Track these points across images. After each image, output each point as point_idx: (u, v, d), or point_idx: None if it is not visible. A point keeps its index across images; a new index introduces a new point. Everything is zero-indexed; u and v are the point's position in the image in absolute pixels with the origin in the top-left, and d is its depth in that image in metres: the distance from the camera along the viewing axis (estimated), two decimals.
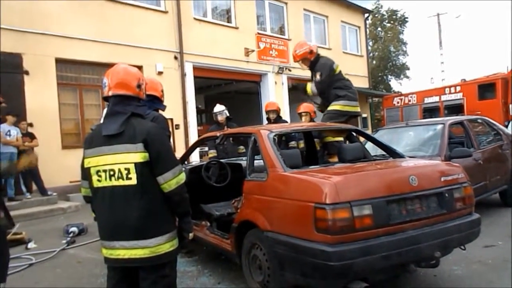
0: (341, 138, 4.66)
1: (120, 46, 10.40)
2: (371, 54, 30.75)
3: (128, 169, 2.19)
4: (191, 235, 2.46)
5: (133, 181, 2.19)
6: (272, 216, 3.06)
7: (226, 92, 17.14)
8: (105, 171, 2.23)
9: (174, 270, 2.43)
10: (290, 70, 15.11)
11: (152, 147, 2.22)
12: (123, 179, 2.20)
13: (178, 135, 11.62)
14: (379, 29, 34.48)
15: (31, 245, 5.43)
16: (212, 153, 6.72)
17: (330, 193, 2.62)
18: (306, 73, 5.39)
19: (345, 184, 2.75)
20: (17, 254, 5.03)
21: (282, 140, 6.17)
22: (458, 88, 14.52)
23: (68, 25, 9.49)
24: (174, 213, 2.39)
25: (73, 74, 9.94)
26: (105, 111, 2.57)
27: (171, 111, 9.86)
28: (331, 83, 5.05)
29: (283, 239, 2.87)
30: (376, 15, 33.16)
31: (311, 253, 2.64)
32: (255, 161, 3.65)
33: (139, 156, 2.20)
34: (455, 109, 13.95)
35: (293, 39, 15.31)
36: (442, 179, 3.11)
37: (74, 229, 5.89)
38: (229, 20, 13.84)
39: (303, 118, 6.93)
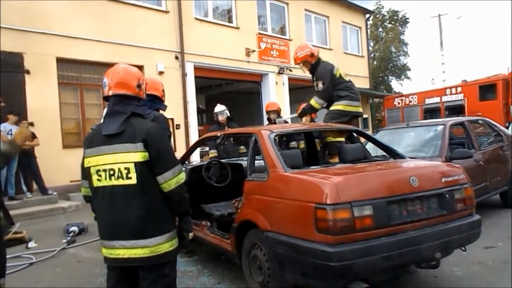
0: (342, 139, 4.66)
1: (121, 45, 10.40)
2: (372, 55, 30.76)
3: (128, 169, 2.19)
4: (191, 234, 2.46)
5: (133, 180, 2.19)
6: (273, 216, 3.06)
7: (227, 92, 17.16)
8: (105, 170, 2.23)
9: (174, 269, 2.43)
10: (291, 70, 15.11)
11: (152, 147, 2.22)
12: (123, 179, 2.20)
13: (179, 135, 11.62)
14: (380, 29, 34.50)
15: (31, 244, 5.43)
16: (213, 153, 6.72)
17: (330, 193, 2.62)
18: (307, 73, 5.38)
19: (345, 185, 2.74)
20: (17, 253, 5.04)
21: (283, 141, 6.17)
22: (459, 89, 14.49)
23: (69, 24, 9.50)
24: (174, 212, 2.39)
25: (74, 73, 9.94)
26: (105, 110, 2.57)
27: (172, 111, 9.87)
28: (333, 87, 5.05)
29: (284, 239, 2.87)
30: (377, 16, 33.17)
31: (311, 254, 2.63)
32: (256, 161, 3.65)
33: (139, 156, 2.20)
34: (456, 110, 13.92)
35: (294, 40, 15.32)
36: (443, 180, 3.11)
37: (75, 228, 5.90)
38: (230, 20, 13.84)
39: (304, 119, 6.93)
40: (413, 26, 51.11)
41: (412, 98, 16.12)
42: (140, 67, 10.23)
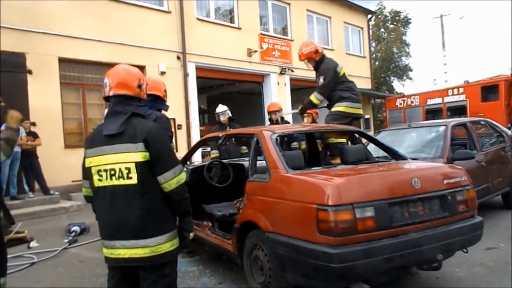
0: (343, 140, 4.66)
1: (123, 46, 10.41)
2: (374, 55, 30.75)
3: (128, 169, 2.20)
4: (191, 234, 2.46)
5: (134, 180, 2.20)
6: (274, 217, 3.05)
7: (229, 92, 17.16)
8: (106, 170, 2.23)
9: (175, 269, 2.43)
10: (292, 71, 15.12)
11: (153, 147, 2.23)
12: (123, 179, 2.20)
13: (181, 135, 11.62)
14: (382, 30, 34.50)
15: (33, 244, 5.44)
16: (214, 153, 6.72)
17: (332, 194, 2.62)
18: (308, 73, 5.39)
19: (347, 186, 2.74)
20: (19, 253, 5.05)
21: (284, 141, 6.17)
22: (461, 90, 14.46)
23: (71, 25, 9.52)
24: (174, 212, 2.39)
25: (76, 73, 9.96)
26: (106, 111, 2.57)
27: (174, 111, 9.88)
28: (335, 85, 5.06)
29: (285, 240, 2.87)
30: (379, 16, 33.17)
31: (313, 255, 2.63)
32: (258, 162, 3.65)
33: (140, 156, 2.20)
34: (458, 110, 13.89)
35: (296, 40, 15.30)
36: (445, 181, 3.10)
37: (76, 228, 5.91)
38: (232, 21, 13.84)
39: (305, 119, 6.93)
40: (415, 26, 51.28)
41: (414, 98, 16.09)
42: (142, 67, 10.25)
